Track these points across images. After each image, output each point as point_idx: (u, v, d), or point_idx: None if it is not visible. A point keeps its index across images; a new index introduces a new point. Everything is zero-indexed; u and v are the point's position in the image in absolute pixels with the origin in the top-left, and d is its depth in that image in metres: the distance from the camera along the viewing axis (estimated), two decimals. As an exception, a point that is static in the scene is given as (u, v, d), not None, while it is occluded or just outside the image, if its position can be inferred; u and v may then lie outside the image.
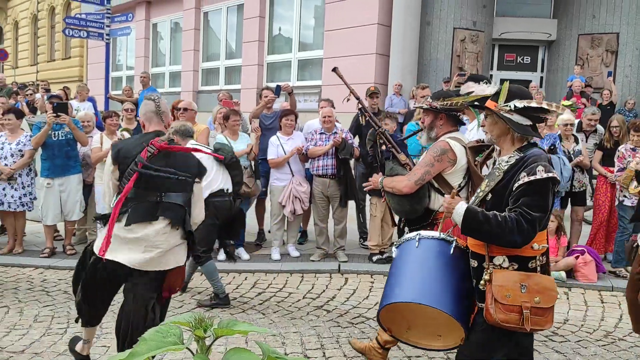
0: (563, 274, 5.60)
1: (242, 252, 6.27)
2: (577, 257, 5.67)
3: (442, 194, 3.32)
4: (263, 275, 5.79)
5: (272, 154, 6.20)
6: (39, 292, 5.28)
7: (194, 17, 16.35)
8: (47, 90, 13.23)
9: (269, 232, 6.68)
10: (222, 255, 6.23)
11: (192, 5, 16.32)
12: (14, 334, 4.24)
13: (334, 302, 5.04)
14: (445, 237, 2.70)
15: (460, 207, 2.49)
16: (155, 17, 18.38)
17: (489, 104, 2.57)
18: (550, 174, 2.41)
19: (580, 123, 6.98)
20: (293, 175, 6.20)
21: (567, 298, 5.27)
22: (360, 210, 6.79)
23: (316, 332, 4.36)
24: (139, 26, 17.58)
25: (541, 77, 13.45)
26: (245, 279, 5.69)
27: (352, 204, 6.43)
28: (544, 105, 2.48)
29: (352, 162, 6.46)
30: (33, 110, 10.48)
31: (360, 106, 2.90)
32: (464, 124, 3.81)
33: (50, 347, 4.02)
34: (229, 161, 5.09)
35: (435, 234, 2.74)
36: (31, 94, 11.46)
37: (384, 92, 11.04)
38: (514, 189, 2.44)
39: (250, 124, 7.11)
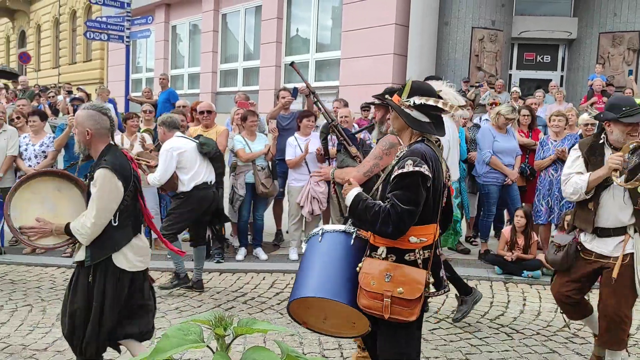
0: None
1: (260, 252, 6.31)
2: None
3: None
4: (281, 276, 5.82)
5: (289, 155, 6.23)
6: (61, 291, 5.36)
7: (213, 19, 16.49)
8: (69, 93, 13.46)
9: (287, 232, 6.71)
10: (240, 255, 6.28)
11: (211, 8, 16.46)
12: (37, 332, 4.32)
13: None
14: (346, 229, 2.73)
15: (351, 194, 2.59)
16: (174, 20, 18.57)
17: (394, 98, 2.65)
18: (418, 169, 2.43)
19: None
20: (311, 176, 6.22)
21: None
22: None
23: (334, 332, 4.37)
24: (159, 28, 17.79)
25: (561, 76, 13.30)
26: (264, 279, 5.73)
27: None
28: (439, 105, 2.54)
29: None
30: (55, 112, 10.67)
31: (315, 99, 2.96)
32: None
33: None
34: (212, 155, 5.26)
35: (338, 227, 2.78)
36: (53, 96, 11.67)
37: (401, 93, 11.01)
38: (390, 180, 2.53)
39: (268, 124, 7.15)
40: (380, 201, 2.54)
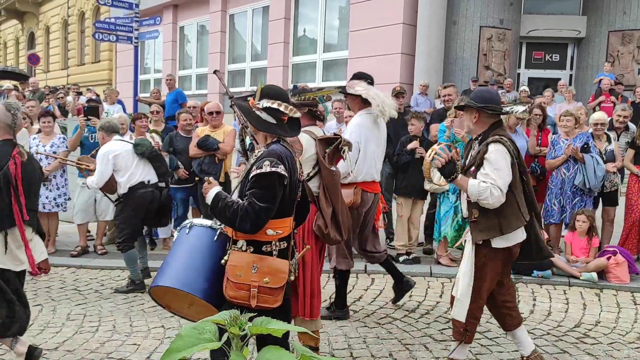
0: (594, 275, 5.50)
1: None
2: (608, 258, 5.56)
3: None
4: (290, 275, 5.82)
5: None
6: (71, 291, 5.41)
7: (220, 19, 16.53)
8: (79, 94, 13.54)
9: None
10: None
11: (218, 8, 16.50)
12: (47, 332, 4.36)
13: (361, 303, 5.04)
14: (212, 225, 2.86)
15: (211, 193, 2.71)
16: (182, 20, 18.63)
17: (250, 101, 2.82)
18: (274, 169, 2.59)
19: (611, 121, 6.84)
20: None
21: (599, 300, 5.18)
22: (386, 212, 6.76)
23: (343, 332, 4.37)
24: (167, 29, 17.84)
25: (570, 75, 13.22)
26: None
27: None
28: (281, 108, 2.72)
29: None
30: (64, 113, 10.73)
31: (231, 104, 3.01)
32: (321, 119, 4.04)
33: (82, 344, 4.11)
34: (148, 155, 5.35)
35: (206, 222, 2.90)
36: (62, 97, 11.73)
37: (409, 92, 11.00)
38: (249, 179, 2.67)
39: None
40: (238, 199, 2.71)
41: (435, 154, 3.37)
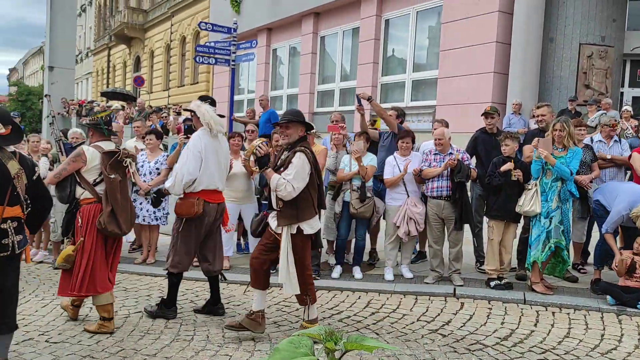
0: None
1: (356, 271, 6.34)
2: None
3: (81, 186, 4.67)
4: (376, 295, 5.81)
5: (387, 174, 6.24)
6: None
7: (312, 41, 16.98)
8: (178, 114, 14.39)
9: (374, 250, 6.68)
10: (336, 273, 6.34)
11: (310, 30, 16.97)
12: (147, 338, 4.61)
13: (450, 327, 4.92)
14: None
15: None
16: (275, 43, 19.34)
17: None
18: None
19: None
20: (408, 196, 6.19)
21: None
22: (476, 234, 6.58)
23: (431, 356, 4.28)
24: (260, 52, 18.57)
25: (679, 95, 12.26)
26: (359, 298, 5.74)
27: (467, 226, 6.26)
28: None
29: (468, 183, 6.30)
30: (166, 132, 11.43)
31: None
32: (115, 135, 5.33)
33: (178, 352, 4.31)
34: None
35: None
36: (166, 117, 12.52)
37: (502, 111, 10.69)
38: None
39: (351, 144, 7.13)
40: None
41: (258, 146, 4.35)
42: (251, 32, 19.19)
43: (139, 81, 24.09)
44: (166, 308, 5.09)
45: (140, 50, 33.10)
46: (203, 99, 5.16)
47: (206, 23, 12.89)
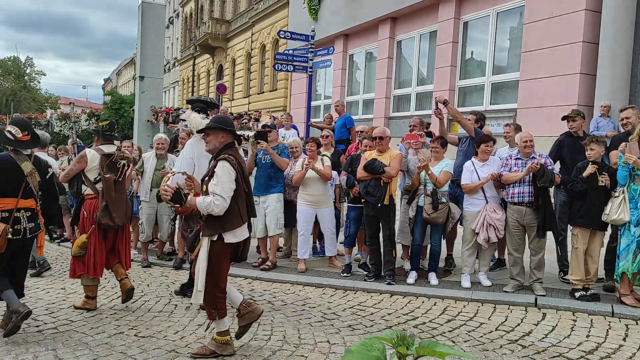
0: None
1: (432, 277, 6.27)
2: None
3: (85, 183, 5.41)
4: (452, 302, 5.71)
5: (465, 179, 6.14)
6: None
7: (388, 46, 16.94)
8: (257, 120, 14.83)
9: (450, 256, 6.56)
10: (411, 279, 6.31)
11: (387, 35, 16.94)
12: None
13: (530, 338, 4.75)
14: None
15: None
16: (351, 49, 19.46)
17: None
18: None
19: None
20: (487, 202, 6.05)
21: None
22: (560, 242, 6.30)
23: (510, 366, 4.17)
24: (337, 58, 18.75)
25: None
26: (435, 305, 5.67)
27: (549, 234, 6.02)
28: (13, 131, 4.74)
29: (551, 189, 6.06)
30: (247, 138, 11.81)
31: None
32: (118, 139, 5.91)
33: (256, 351, 4.45)
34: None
35: None
36: (246, 122, 12.95)
37: (588, 114, 10.17)
38: None
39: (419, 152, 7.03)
40: None
41: (162, 188, 4.23)
42: (328, 38, 19.42)
43: (221, 89, 25.01)
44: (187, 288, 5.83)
45: (222, 59, 34.37)
46: (191, 102, 5.71)
47: (285, 31, 13.20)
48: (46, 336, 4.68)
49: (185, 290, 5.88)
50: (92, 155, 5.44)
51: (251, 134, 5.11)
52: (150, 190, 7.44)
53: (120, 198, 5.47)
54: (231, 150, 4.27)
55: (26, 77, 65.97)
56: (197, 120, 5.45)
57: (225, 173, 4.08)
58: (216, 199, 4.02)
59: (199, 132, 4.85)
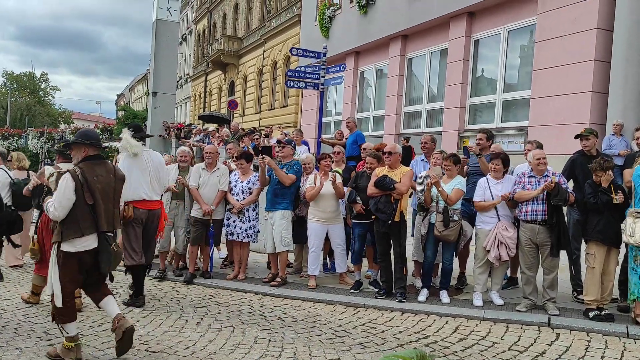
0: None
1: (443, 295, 6.22)
2: None
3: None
4: (464, 321, 5.66)
5: (478, 196, 6.12)
6: (258, 316, 5.89)
7: (399, 63, 17.04)
8: (267, 136, 14.90)
9: (463, 274, 6.52)
10: (423, 296, 6.27)
11: (397, 53, 17.04)
12: (238, 352, 4.77)
13: (544, 358, 4.69)
14: None
15: None
16: (362, 66, 19.58)
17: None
18: None
19: None
20: (499, 219, 6.02)
21: None
22: (574, 260, 6.24)
23: (523, 387, 4.11)
24: (348, 74, 18.86)
25: None
26: (446, 323, 5.63)
27: (563, 253, 5.97)
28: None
29: (565, 208, 6.02)
30: (257, 153, 11.87)
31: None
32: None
33: (268, 367, 4.45)
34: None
35: None
36: (257, 138, 13.02)
37: (601, 132, 10.14)
38: None
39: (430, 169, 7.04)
40: None
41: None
42: (339, 55, 19.57)
43: (232, 105, 25.19)
44: (135, 298, 6.27)
45: (234, 75, 34.69)
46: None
47: (297, 48, 13.32)
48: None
49: (134, 299, 6.30)
50: (50, 171, 5.84)
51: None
52: (171, 201, 7.54)
53: None
54: (85, 164, 4.51)
55: (41, 92, 66.98)
56: (126, 140, 6.06)
57: (63, 185, 4.35)
58: (52, 206, 4.36)
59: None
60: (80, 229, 4.37)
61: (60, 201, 4.31)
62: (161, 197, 6.47)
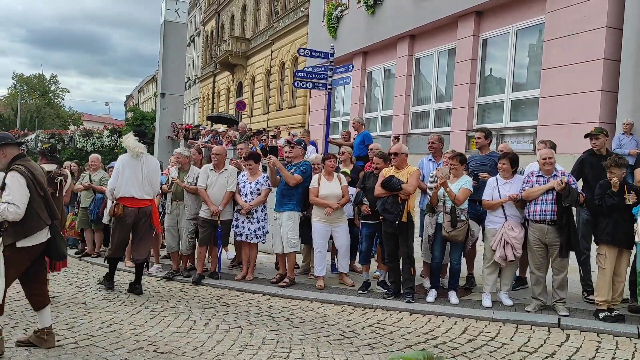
0: None
1: (452, 296, 6.20)
2: None
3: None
4: (473, 322, 5.64)
5: (487, 195, 6.10)
6: (266, 317, 5.90)
7: (407, 63, 16.99)
8: (274, 137, 14.91)
9: (471, 275, 6.48)
10: (431, 297, 6.24)
11: (405, 53, 17.00)
12: (246, 353, 4.77)
13: (554, 359, 4.66)
14: None
15: None
16: (370, 66, 19.55)
17: None
18: None
19: None
20: (506, 219, 5.99)
21: None
22: (583, 261, 6.19)
23: (532, 388, 4.09)
24: (356, 75, 18.83)
25: None
26: (455, 324, 5.60)
27: (572, 253, 5.92)
28: None
29: (574, 208, 5.97)
30: (265, 153, 11.88)
31: None
32: (58, 160, 6.42)
33: (275, 367, 4.45)
34: None
35: None
36: (265, 139, 13.04)
37: (610, 132, 10.05)
38: None
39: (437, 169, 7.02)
40: None
41: None
42: (347, 56, 19.55)
43: (240, 105, 25.24)
44: (107, 281, 7.05)
45: (242, 76, 34.75)
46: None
47: (305, 49, 13.32)
48: (66, 351, 4.71)
49: (132, 286, 6.90)
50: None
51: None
52: (172, 202, 7.61)
53: (57, 209, 5.87)
54: (21, 161, 4.56)
55: (50, 94, 67.50)
56: (128, 141, 6.72)
57: (15, 182, 4.36)
58: (10, 206, 4.28)
59: None
60: (43, 222, 4.51)
61: (19, 199, 4.34)
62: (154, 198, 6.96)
